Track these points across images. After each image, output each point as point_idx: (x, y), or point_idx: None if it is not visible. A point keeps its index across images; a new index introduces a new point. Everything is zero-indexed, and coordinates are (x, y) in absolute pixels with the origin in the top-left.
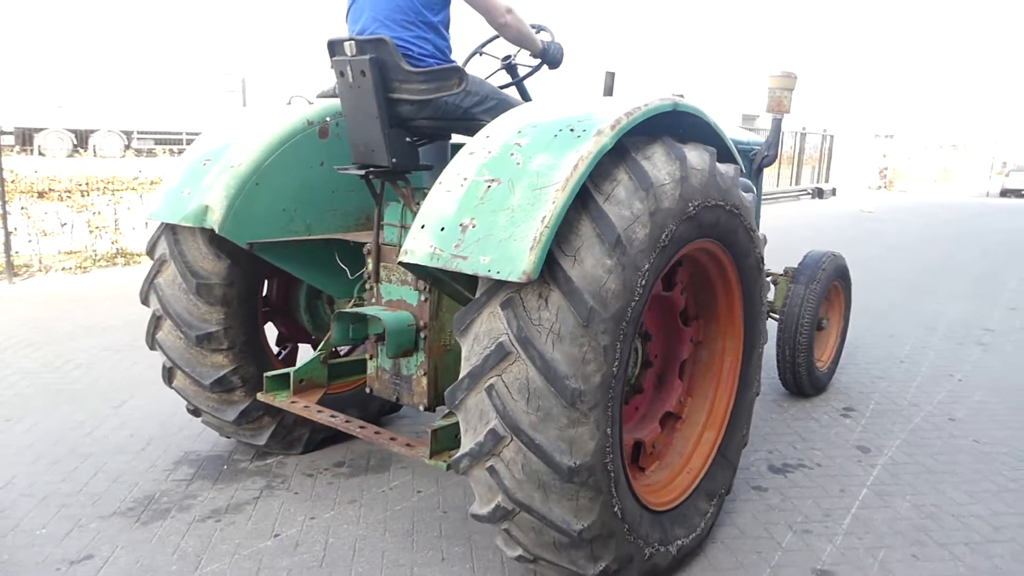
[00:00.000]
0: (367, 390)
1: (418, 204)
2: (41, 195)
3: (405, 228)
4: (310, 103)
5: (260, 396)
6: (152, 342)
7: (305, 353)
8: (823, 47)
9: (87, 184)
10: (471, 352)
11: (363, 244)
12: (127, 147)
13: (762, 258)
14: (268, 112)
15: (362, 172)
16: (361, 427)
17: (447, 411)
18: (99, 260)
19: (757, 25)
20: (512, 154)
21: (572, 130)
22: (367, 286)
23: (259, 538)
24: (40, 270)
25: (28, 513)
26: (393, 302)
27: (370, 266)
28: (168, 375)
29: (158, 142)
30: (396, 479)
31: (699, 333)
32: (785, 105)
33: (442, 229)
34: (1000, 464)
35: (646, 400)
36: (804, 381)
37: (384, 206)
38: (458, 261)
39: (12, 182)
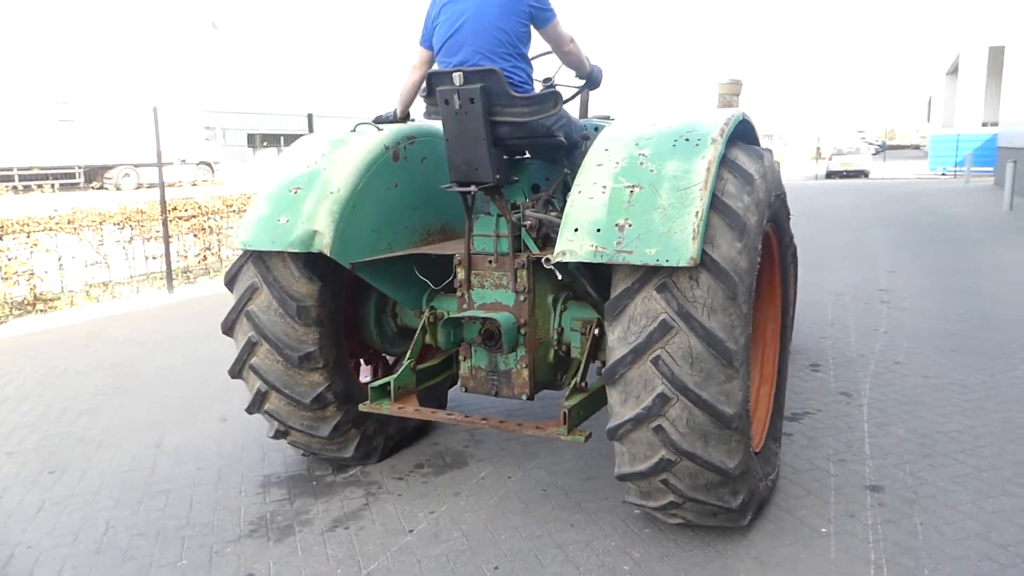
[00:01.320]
0: (462, 390)
1: (519, 214)
2: None
3: (501, 237)
4: (380, 129)
5: (364, 407)
6: (241, 370)
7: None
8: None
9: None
10: (627, 332)
11: (447, 256)
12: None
13: (792, 235)
14: (346, 139)
15: (471, 189)
16: (483, 419)
17: (568, 394)
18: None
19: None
20: (641, 163)
21: (687, 140)
22: (459, 293)
23: (396, 536)
24: None
25: (154, 550)
26: (487, 305)
27: (461, 275)
28: (260, 400)
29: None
30: (481, 471)
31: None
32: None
33: (598, 230)
34: (951, 392)
35: None
36: None
37: (475, 219)
38: (624, 255)
39: None
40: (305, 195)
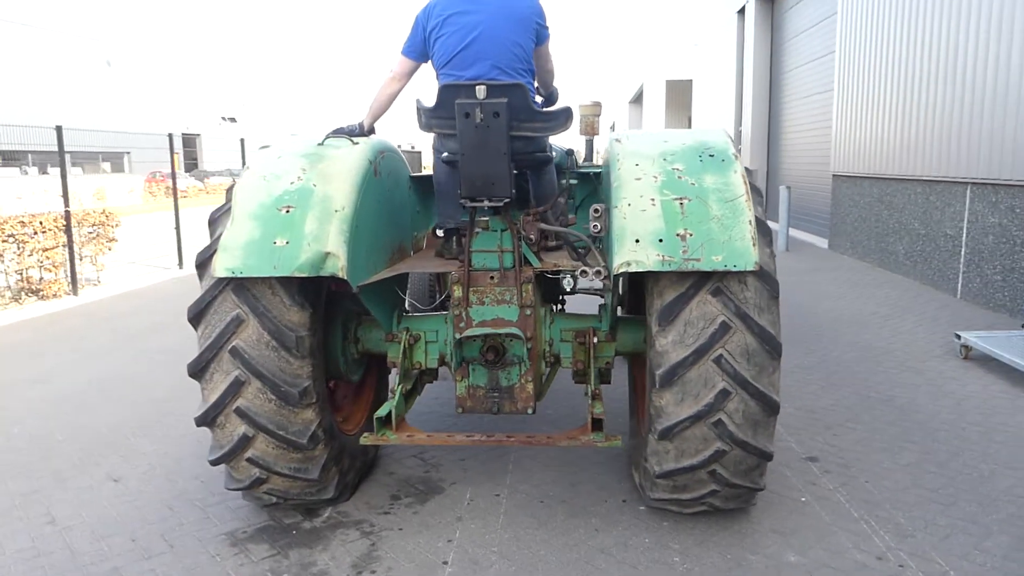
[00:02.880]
0: (458, 411)
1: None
2: None
3: (505, 252)
4: (355, 143)
5: (368, 439)
6: (217, 416)
7: None
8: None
9: None
10: (684, 335)
11: (441, 274)
12: None
13: None
14: (326, 153)
15: (500, 203)
16: (509, 436)
17: (590, 400)
18: None
19: None
20: (680, 177)
21: (712, 156)
22: (455, 312)
23: (434, 570)
24: None
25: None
26: (488, 322)
27: (458, 292)
28: (240, 448)
29: None
30: (463, 493)
31: None
32: (595, 128)
33: (660, 240)
34: (802, 374)
35: None
36: None
37: (474, 235)
38: (692, 263)
39: None
40: (303, 214)
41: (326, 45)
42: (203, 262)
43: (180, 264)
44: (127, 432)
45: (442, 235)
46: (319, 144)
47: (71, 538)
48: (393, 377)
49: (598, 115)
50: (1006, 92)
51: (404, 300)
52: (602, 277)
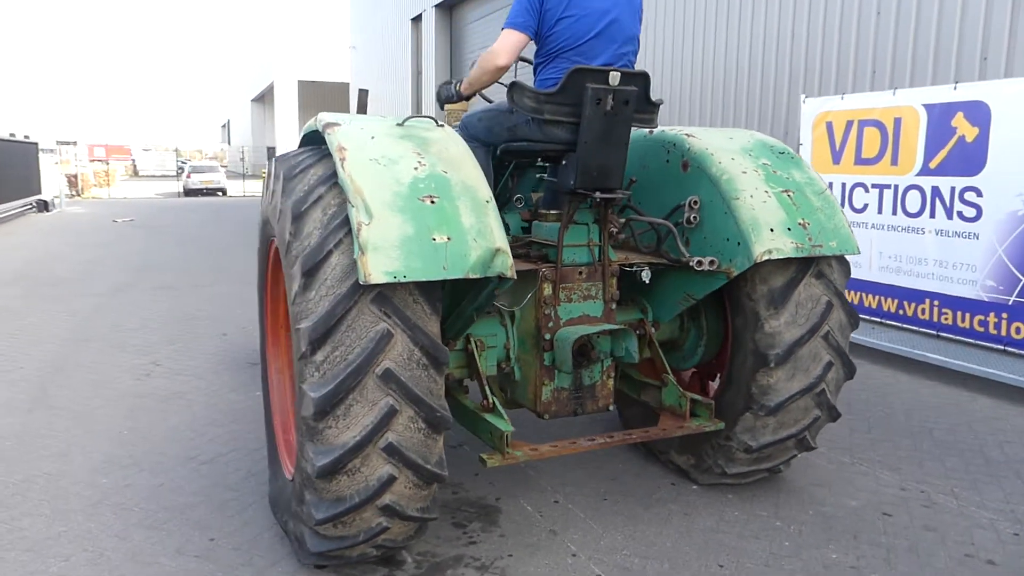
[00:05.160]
0: (544, 418)
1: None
2: None
3: (596, 246)
4: (440, 124)
5: (494, 461)
6: (352, 458)
7: None
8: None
9: None
10: (796, 316)
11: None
12: None
13: None
14: (430, 135)
15: (617, 195)
16: (627, 435)
17: (668, 388)
18: None
19: None
20: (775, 171)
21: (782, 153)
22: (544, 311)
23: None
24: None
25: None
26: (575, 319)
27: (548, 290)
28: (378, 493)
29: None
30: (518, 505)
31: None
32: None
33: (789, 229)
34: None
35: None
36: None
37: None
38: (818, 249)
39: None
40: (452, 205)
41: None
42: (314, 267)
43: None
44: None
45: None
46: (399, 124)
47: None
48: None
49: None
50: None
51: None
52: (715, 267)
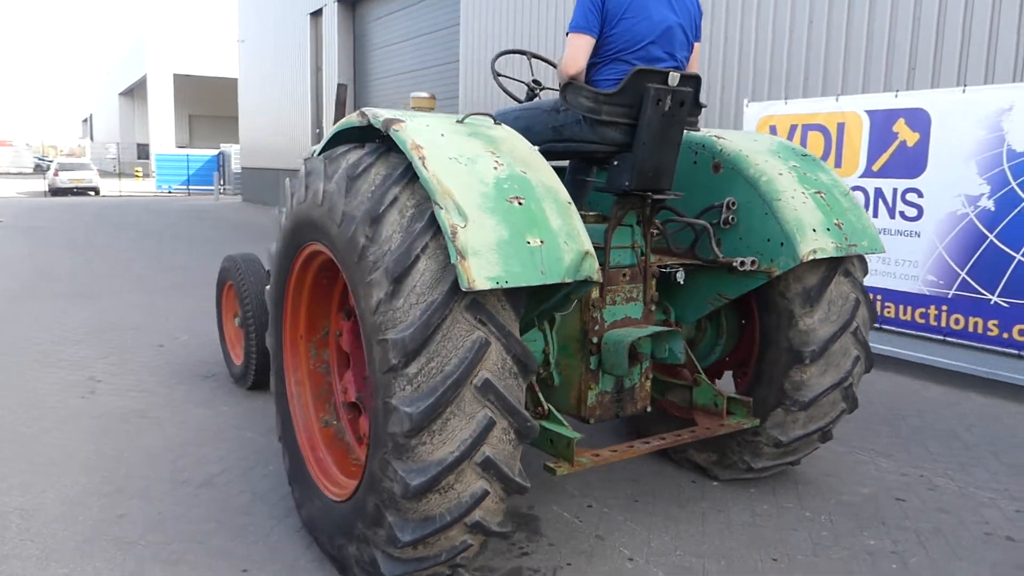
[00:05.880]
0: (589, 422)
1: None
2: None
3: (639, 247)
4: (497, 122)
5: (563, 470)
6: (453, 473)
7: None
8: None
9: None
10: (829, 314)
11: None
12: None
13: None
14: (495, 134)
15: (669, 196)
16: (677, 435)
17: (701, 387)
18: None
19: None
20: (804, 173)
21: (804, 156)
22: (593, 314)
23: None
24: None
25: None
26: (618, 322)
27: (595, 293)
28: (469, 509)
29: None
30: (577, 506)
31: None
32: None
33: (828, 229)
34: None
35: None
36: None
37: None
38: (852, 248)
39: None
40: (539, 207)
41: None
42: (403, 273)
43: None
44: None
45: None
46: (459, 121)
47: None
48: None
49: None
50: None
51: None
52: (755, 267)
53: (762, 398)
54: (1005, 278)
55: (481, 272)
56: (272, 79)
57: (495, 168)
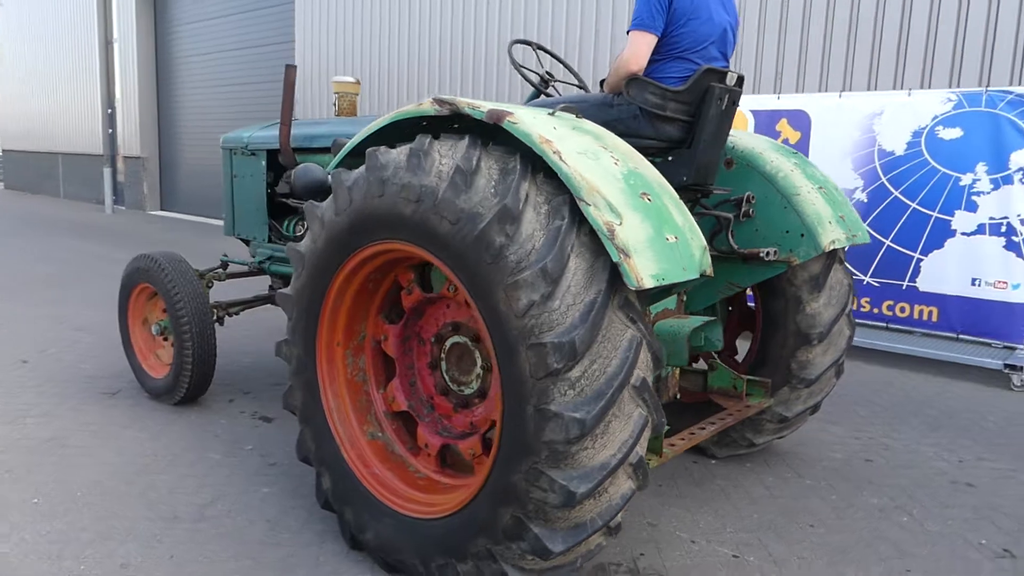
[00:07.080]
0: None
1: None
2: None
3: None
4: (580, 116)
5: (655, 462)
6: (611, 475)
7: None
8: None
9: None
10: (831, 298)
11: None
12: None
13: None
14: (593, 129)
15: (721, 191)
16: (712, 424)
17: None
18: None
19: None
20: (805, 170)
21: (796, 154)
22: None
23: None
24: None
25: None
26: (659, 313)
27: None
28: (616, 512)
29: None
30: None
31: None
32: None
33: (837, 221)
34: None
35: None
36: None
37: None
38: (854, 238)
39: None
40: (662, 202)
41: None
42: (559, 273)
43: None
44: None
45: None
46: (551, 114)
47: None
48: None
49: (358, 94)
50: None
51: None
52: (774, 258)
53: (768, 378)
54: (875, 262)
55: (646, 270)
56: (43, 53)
57: (615, 164)
